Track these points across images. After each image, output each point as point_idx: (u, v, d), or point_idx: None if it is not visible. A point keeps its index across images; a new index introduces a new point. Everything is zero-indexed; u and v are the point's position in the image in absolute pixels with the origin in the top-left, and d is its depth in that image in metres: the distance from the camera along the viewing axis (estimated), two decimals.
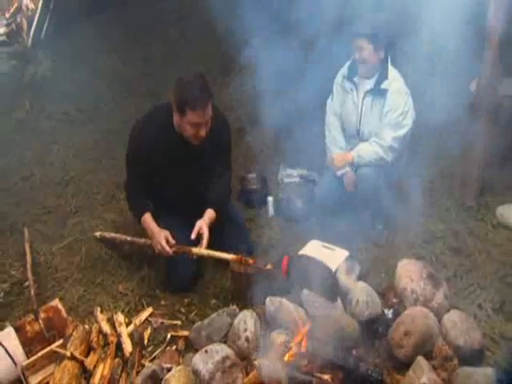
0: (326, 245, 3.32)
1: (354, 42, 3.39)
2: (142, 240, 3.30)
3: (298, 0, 3.60)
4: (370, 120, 3.50)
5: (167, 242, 3.01)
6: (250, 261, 2.96)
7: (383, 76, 3.41)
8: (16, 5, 8.43)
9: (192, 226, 3.06)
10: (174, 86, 2.85)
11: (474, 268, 3.19)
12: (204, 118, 2.84)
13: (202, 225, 3.04)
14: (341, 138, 3.69)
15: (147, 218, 3.11)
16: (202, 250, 2.99)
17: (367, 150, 3.48)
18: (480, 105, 3.62)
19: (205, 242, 3.00)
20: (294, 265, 2.92)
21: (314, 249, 3.30)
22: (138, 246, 3.44)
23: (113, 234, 3.57)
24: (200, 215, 3.12)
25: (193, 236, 3.02)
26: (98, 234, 3.62)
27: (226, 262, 3.08)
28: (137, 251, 3.53)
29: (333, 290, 2.96)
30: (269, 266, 2.98)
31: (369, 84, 3.46)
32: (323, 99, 3.82)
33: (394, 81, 3.41)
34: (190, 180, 3.16)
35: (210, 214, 3.13)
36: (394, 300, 2.81)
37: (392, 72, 3.42)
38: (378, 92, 3.42)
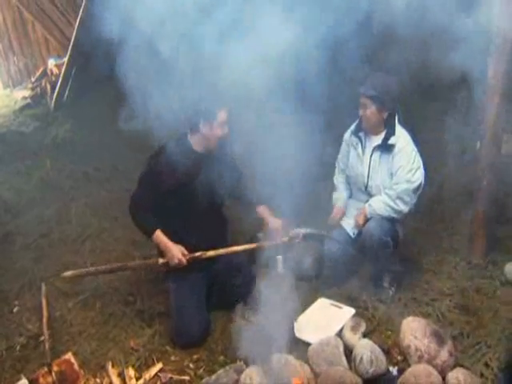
0: (334, 303, 3.43)
1: (360, 98, 3.50)
2: (135, 262, 3.48)
3: None
4: (378, 175, 3.56)
5: (183, 254, 3.25)
6: None
7: (390, 132, 3.49)
8: (42, 69, 8.89)
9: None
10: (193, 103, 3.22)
11: (481, 326, 3.17)
12: (227, 115, 3.24)
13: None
14: (341, 186, 3.87)
15: (159, 233, 3.31)
16: (216, 251, 3.29)
17: (376, 200, 3.52)
18: (484, 162, 3.67)
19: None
20: None
21: (322, 307, 3.39)
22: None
23: (87, 269, 3.69)
24: (208, 243, 3.35)
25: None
26: (68, 273, 3.61)
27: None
28: (148, 308, 3.62)
29: None
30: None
31: (377, 140, 3.54)
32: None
33: (401, 137, 3.48)
34: (202, 200, 3.30)
35: (263, 208, 3.56)
36: (399, 357, 2.86)
37: (399, 129, 3.51)
38: (386, 147, 3.49)
